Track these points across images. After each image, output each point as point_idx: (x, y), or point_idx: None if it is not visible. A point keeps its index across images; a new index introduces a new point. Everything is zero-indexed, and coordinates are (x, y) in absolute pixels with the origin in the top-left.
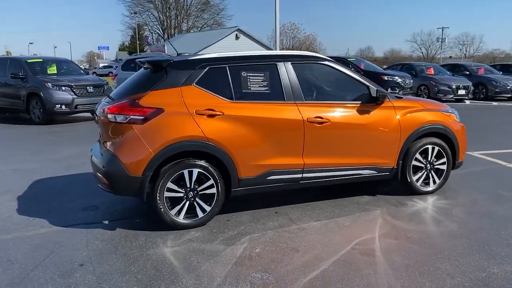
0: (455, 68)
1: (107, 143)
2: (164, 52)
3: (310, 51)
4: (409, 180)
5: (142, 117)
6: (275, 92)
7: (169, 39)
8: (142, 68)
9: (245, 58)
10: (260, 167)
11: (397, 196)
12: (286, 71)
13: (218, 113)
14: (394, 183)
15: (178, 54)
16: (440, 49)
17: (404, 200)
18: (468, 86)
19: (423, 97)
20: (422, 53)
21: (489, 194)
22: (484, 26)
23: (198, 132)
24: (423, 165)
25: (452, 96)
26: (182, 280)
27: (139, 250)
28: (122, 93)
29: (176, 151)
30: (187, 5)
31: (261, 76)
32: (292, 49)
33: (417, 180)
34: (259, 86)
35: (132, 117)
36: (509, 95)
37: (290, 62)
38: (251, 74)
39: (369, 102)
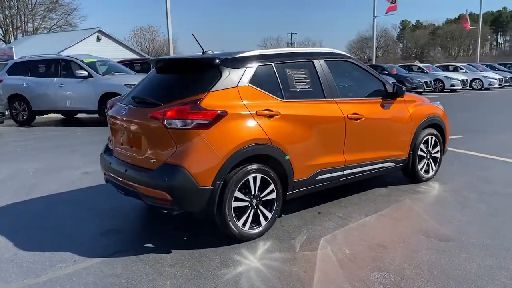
0: (377, 69)
1: (159, 152)
2: (13, 55)
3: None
4: (416, 170)
5: (208, 121)
6: (316, 89)
7: (11, 41)
8: (156, 68)
9: (287, 55)
10: (311, 168)
11: (404, 186)
12: (322, 68)
13: (275, 113)
14: (393, 174)
15: (203, 52)
16: None
17: (415, 188)
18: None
19: None
20: None
21: (470, 176)
22: (324, 31)
23: (262, 134)
24: (425, 154)
25: (422, 90)
26: None
27: (225, 269)
28: (163, 96)
29: (245, 156)
30: (31, 4)
31: (303, 73)
32: (153, 52)
33: (421, 168)
34: (302, 84)
35: (197, 121)
36: (422, 90)
37: (323, 59)
38: (294, 72)
39: (387, 97)
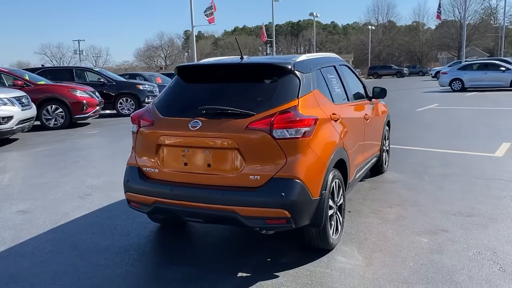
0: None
1: (263, 167)
2: None
3: None
4: (381, 162)
5: (310, 128)
6: (343, 93)
7: None
8: (211, 76)
9: (322, 60)
10: (354, 167)
11: (374, 178)
12: (341, 73)
13: (338, 117)
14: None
15: (241, 58)
16: (79, 61)
17: (384, 178)
18: None
19: None
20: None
21: (416, 165)
22: (111, 40)
23: (339, 138)
24: (385, 148)
25: None
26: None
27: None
28: (251, 105)
29: (334, 162)
30: None
31: (334, 78)
32: None
33: (384, 160)
34: (337, 88)
35: (304, 129)
36: None
37: (338, 64)
38: (330, 76)
39: (369, 98)
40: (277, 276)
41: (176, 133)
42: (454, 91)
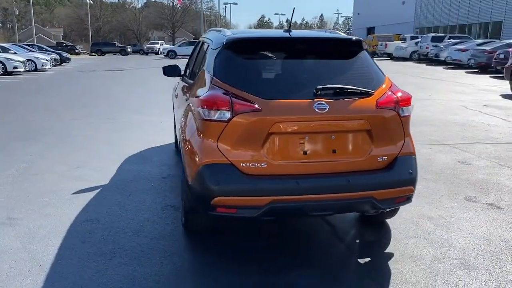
0: None
1: (389, 147)
2: None
3: None
4: None
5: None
6: None
7: None
8: (285, 50)
9: None
10: None
11: None
12: None
13: None
14: None
15: (289, 30)
16: None
17: None
18: None
19: None
20: None
21: None
22: None
23: None
24: None
25: None
26: None
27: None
28: (362, 82)
29: None
30: None
31: None
32: None
33: None
34: None
35: (411, 106)
36: None
37: None
38: None
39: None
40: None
41: (298, 118)
42: None
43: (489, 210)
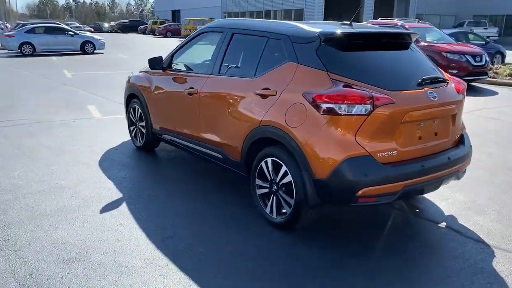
0: None
1: (459, 126)
2: None
3: None
4: None
5: None
6: None
7: None
8: (379, 43)
9: None
10: None
11: None
12: None
13: None
14: None
15: (350, 24)
16: None
17: None
18: None
19: None
20: None
21: None
22: None
23: None
24: None
25: None
26: None
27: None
28: (437, 72)
29: None
30: None
31: None
32: None
33: None
34: None
35: None
36: None
37: None
38: None
39: None
40: None
41: (423, 107)
42: (25, 55)
43: None
